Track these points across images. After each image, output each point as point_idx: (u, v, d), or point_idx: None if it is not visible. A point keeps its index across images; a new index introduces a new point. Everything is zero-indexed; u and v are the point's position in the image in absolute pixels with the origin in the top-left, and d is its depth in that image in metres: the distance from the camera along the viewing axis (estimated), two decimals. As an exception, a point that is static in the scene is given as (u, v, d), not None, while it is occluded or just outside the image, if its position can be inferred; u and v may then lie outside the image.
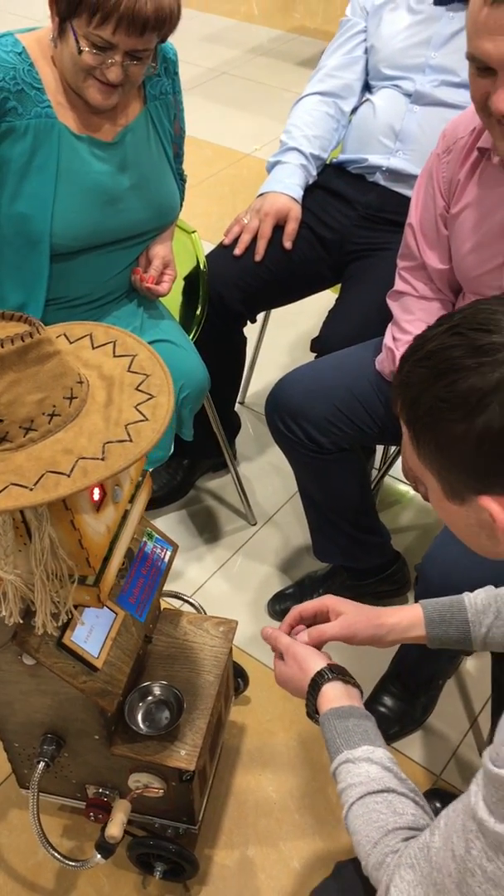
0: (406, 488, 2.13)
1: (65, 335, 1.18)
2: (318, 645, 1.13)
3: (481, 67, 1.11)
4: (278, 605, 1.85)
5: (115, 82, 1.39)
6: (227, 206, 1.84)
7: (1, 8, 5.00)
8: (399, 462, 1.66)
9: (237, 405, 2.28)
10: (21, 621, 1.13)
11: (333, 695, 1.03)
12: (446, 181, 1.38)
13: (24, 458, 1.01)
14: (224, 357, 1.91)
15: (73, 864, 1.35)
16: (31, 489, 0.98)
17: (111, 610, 1.27)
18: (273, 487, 2.15)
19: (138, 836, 1.42)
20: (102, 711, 1.25)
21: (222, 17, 4.93)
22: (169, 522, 2.05)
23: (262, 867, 1.48)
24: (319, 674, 1.06)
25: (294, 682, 1.10)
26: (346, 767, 0.95)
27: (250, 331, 2.02)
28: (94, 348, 1.17)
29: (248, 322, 1.93)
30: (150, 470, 2.09)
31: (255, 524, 2.06)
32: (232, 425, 2.13)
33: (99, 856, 1.33)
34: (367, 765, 0.94)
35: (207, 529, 2.05)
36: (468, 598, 1.15)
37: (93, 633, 1.23)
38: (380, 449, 2.05)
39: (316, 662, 1.08)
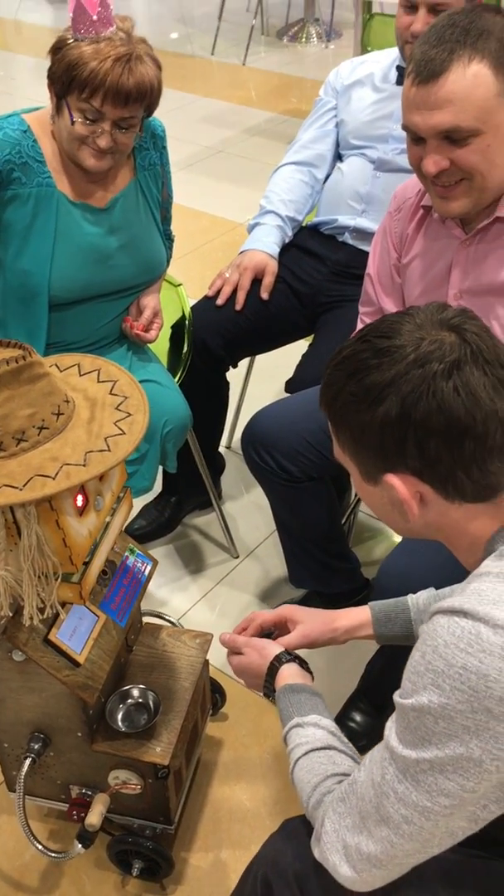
0: (379, 524, 2.26)
1: (56, 365, 1.35)
2: None
3: (414, 137, 1.30)
4: (257, 630, 1.98)
5: (105, 148, 1.59)
6: (220, 269, 2.06)
7: (17, 94, 5.39)
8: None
9: (224, 449, 2.44)
10: (11, 615, 1.27)
11: (289, 674, 1.17)
12: (398, 236, 1.56)
13: (15, 464, 1.16)
14: (208, 400, 2.08)
15: (56, 855, 1.45)
16: (21, 489, 1.13)
17: (94, 613, 1.40)
18: (255, 524, 2.28)
19: (117, 834, 1.52)
20: (84, 705, 1.37)
21: (221, 100, 5.26)
22: (157, 555, 2.17)
23: (235, 869, 1.57)
24: (278, 657, 1.19)
25: (253, 667, 1.22)
26: (295, 731, 1.07)
27: (236, 379, 2.19)
28: (81, 375, 1.33)
29: (231, 367, 2.10)
30: (139, 502, 2.24)
31: (237, 557, 2.19)
32: (216, 465, 2.28)
33: (80, 846, 1.43)
34: (314, 728, 1.07)
35: (193, 562, 2.19)
36: (411, 598, 1.28)
37: (76, 633, 1.36)
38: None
39: (274, 648, 1.21)
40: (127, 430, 1.22)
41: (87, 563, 1.31)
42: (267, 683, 1.20)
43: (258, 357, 2.31)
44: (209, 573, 2.16)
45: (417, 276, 1.52)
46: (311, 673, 1.20)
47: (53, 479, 1.14)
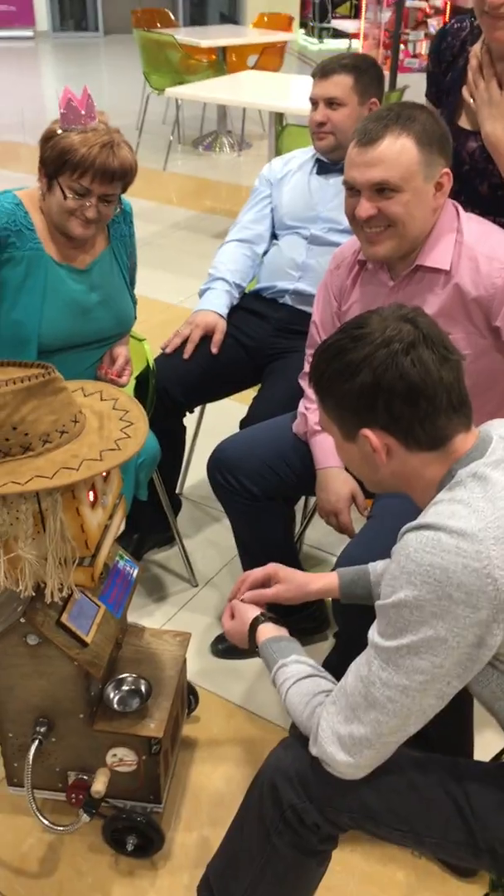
0: (322, 555, 2.53)
1: (63, 388, 1.59)
2: (258, 603, 1.49)
3: (351, 188, 1.64)
4: (220, 645, 2.20)
5: (92, 219, 1.88)
6: (158, 345, 2.38)
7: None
8: (312, 534, 2.04)
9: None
10: (34, 594, 1.47)
11: (267, 629, 1.41)
12: (337, 288, 1.89)
13: (43, 461, 1.40)
14: (169, 442, 2.33)
15: (61, 828, 1.61)
16: (51, 478, 1.36)
17: (95, 603, 1.61)
18: (211, 557, 2.52)
19: (111, 815, 1.68)
20: (88, 685, 1.57)
21: (146, 200, 5.70)
22: (122, 588, 2.38)
23: (217, 843, 1.74)
24: (255, 618, 1.43)
25: (238, 629, 1.46)
26: (281, 670, 1.31)
27: (187, 434, 2.47)
28: (85, 396, 1.58)
29: (187, 413, 2.38)
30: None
31: (196, 586, 2.42)
32: (176, 504, 2.52)
33: (85, 815, 1.59)
34: (296, 665, 1.30)
35: (156, 591, 2.40)
36: (371, 566, 1.54)
37: (82, 618, 1.57)
38: (298, 518, 2.47)
39: (252, 612, 1.45)
40: (132, 435, 1.48)
41: (95, 555, 1.53)
42: (250, 639, 1.43)
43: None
44: (172, 600, 2.37)
45: (356, 319, 1.84)
46: (285, 627, 1.44)
47: (77, 470, 1.38)
